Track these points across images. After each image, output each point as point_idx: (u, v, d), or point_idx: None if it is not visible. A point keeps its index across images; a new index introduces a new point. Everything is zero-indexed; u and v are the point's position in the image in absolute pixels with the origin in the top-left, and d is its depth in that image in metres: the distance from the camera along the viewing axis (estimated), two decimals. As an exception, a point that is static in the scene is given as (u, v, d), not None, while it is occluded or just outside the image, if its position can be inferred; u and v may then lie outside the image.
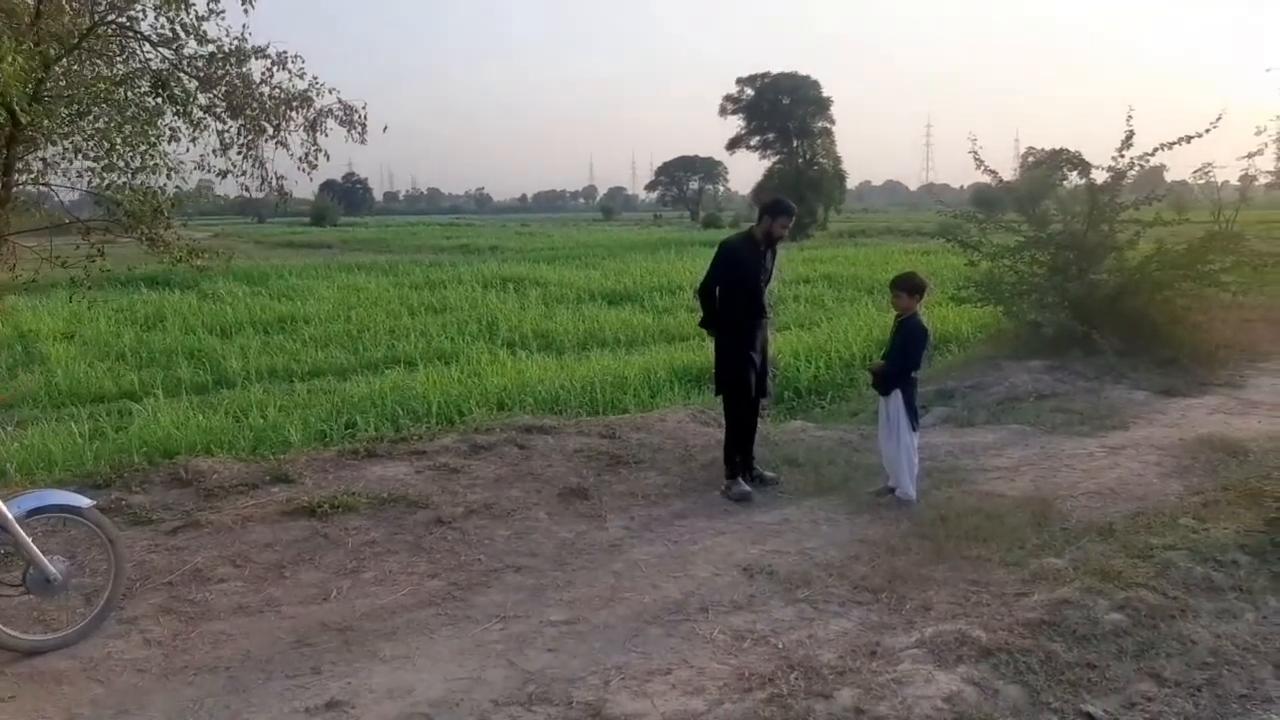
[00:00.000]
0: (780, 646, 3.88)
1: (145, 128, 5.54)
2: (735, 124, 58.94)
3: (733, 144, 59.59)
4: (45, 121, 5.10)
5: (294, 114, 6.26)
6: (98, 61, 5.78)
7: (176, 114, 5.83)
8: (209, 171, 6.44)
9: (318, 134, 6.38)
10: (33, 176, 5.76)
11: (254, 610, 4.36)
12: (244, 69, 6.05)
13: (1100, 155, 12.41)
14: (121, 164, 5.42)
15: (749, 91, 57.94)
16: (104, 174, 5.53)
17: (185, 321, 16.32)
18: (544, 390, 9.66)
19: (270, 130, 6.14)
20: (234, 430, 8.45)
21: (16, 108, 4.56)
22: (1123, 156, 10.36)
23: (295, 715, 3.44)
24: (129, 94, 5.55)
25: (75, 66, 5.88)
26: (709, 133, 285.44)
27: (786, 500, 5.84)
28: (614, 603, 4.38)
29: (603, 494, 5.94)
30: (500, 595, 4.50)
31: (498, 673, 3.73)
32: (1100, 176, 10.55)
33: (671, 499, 5.89)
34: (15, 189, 5.60)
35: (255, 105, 5.99)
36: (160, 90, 5.64)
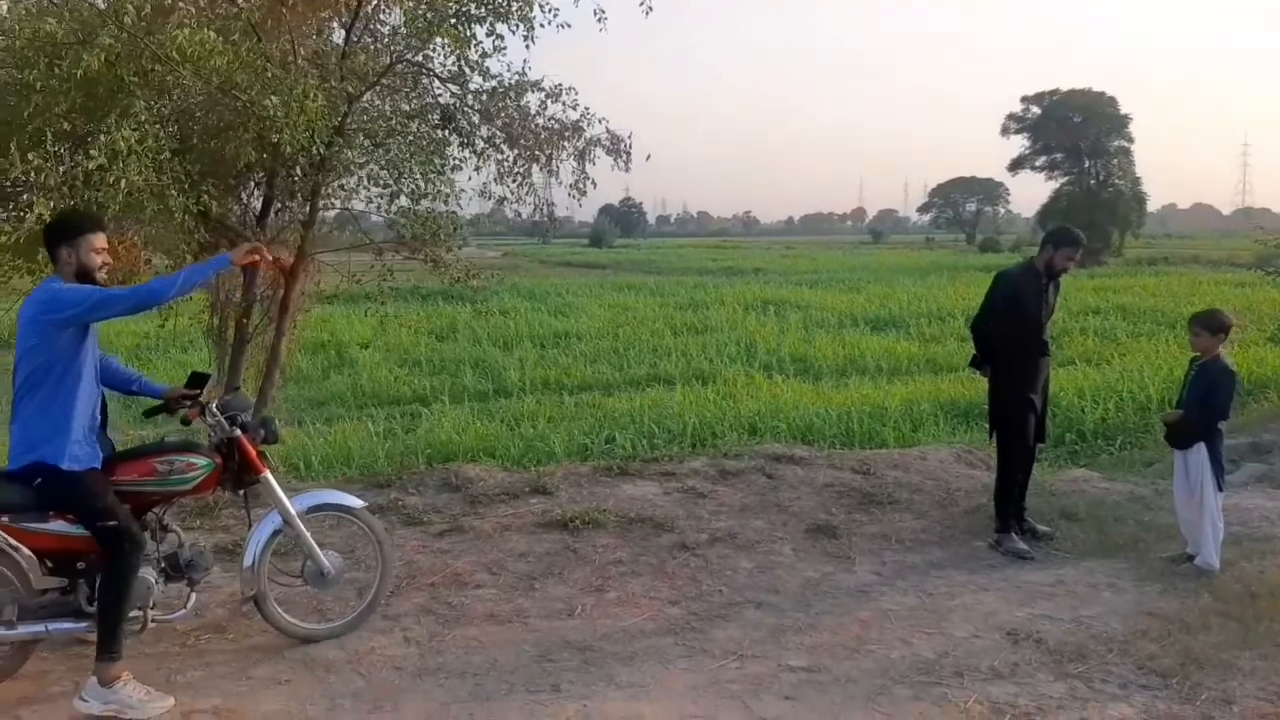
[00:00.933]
0: (1044, 726, 3.48)
1: (433, 157, 5.99)
2: (1019, 143, 55.38)
3: (1015, 164, 56.02)
4: (347, 152, 5.64)
5: (566, 144, 6.54)
6: (394, 97, 6.34)
7: (461, 145, 6.26)
8: (489, 198, 6.88)
9: (586, 162, 6.63)
10: (334, 202, 6.40)
11: (504, 619, 4.52)
12: (522, 102, 6.40)
13: None
14: (408, 190, 5.89)
15: (1035, 109, 54.22)
16: (393, 200, 6.03)
17: (474, 334, 17.61)
18: (798, 417, 9.47)
19: (543, 159, 6.45)
20: (506, 438, 8.96)
21: (320, 140, 5.07)
22: None
23: (531, 731, 3.50)
24: (420, 126, 6.02)
25: (378, 101, 6.48)
26: (988, 153, 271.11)
27: (1062, 559, 5.28)
28: (858, 654, 4.13)
29: (853, 534, 5.67)
30: (739, 631, 4.38)
31: (731, 715, 3.61)
32: None
33: (929, 546, 5.51)
34: (320, 213, 6.25)
35: (530, 136, 6.31)
36: (447, 123, 6.07)
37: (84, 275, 3.68)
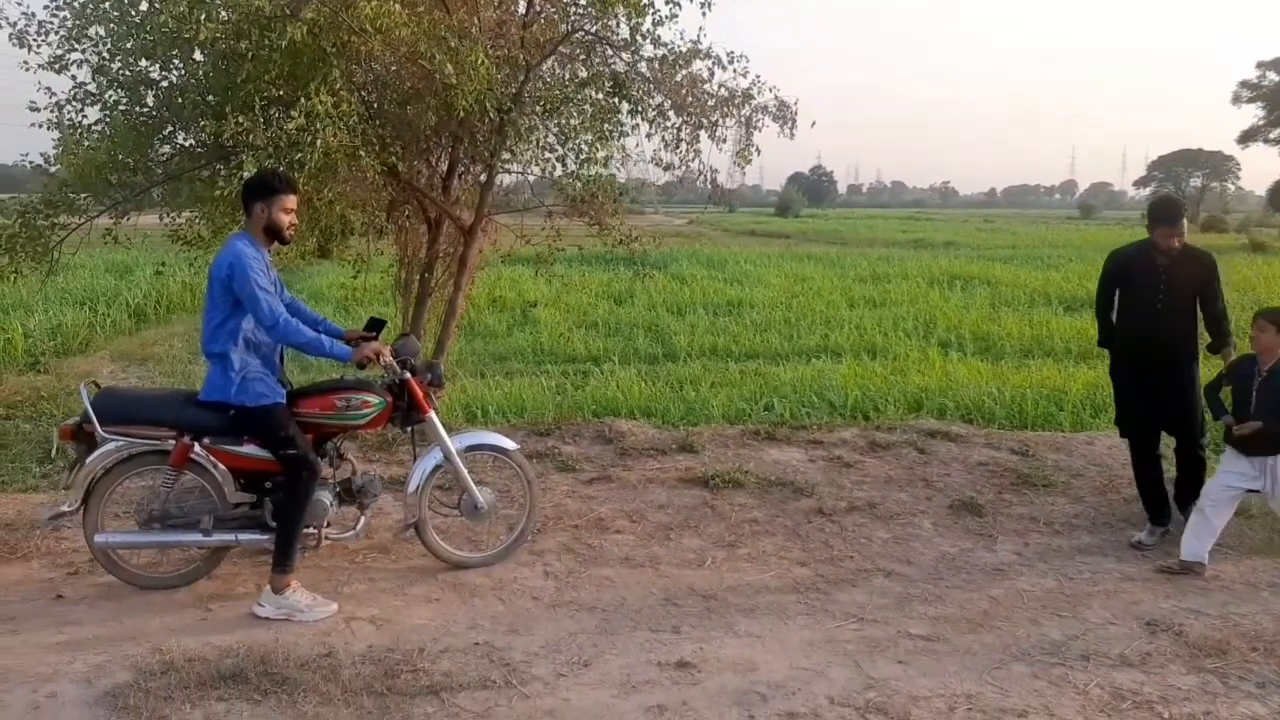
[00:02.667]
0: (1167, 717, 3.37)
1: (603, 124, 6.24)
2: (1252, 114, 50.21)
3: (1247, 137, 50.90)
4: (523, 118, 5.98)
5: (733, 111, 6.63)
6: (570, 65, 6.63)
7: (631, 112, 6.47)
8: (660, 166, 7.07)
9: (752, 130, 6.69)
10: (511, 166, 6.78)
11: (637, 564, 4.78)
12: (691, 69, 6.53)
13: None
14: (574, 155, 6.18)
15: (1272, 75, 48.87)
16: (561, 164, 6.35)
17: (650, 299, 17.95)
18: (967, 395, 9.19)
19: (709, 126, 6.56)
20: (668, 399, 9.22)
21: (490, 106, 5.42)
22: None
23: (649, 666, 3.73)
24: (592, 94, 6.28)
25: (558, 70, 6.80)
26: (1217, 124, 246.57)
27: (1223, 555, 4.99)
28: (982, 629, 4.11)
29: (999, 513, 5.55)
30: (864, 596, 4.44)
31: (842, 672, 3.71)
32: None
33: (1078, 531, 5.33)
34: (497, 176, 6.65)
35: (697, 104, 6.44)
36: (618, 90, 6.29)
37: (272, 231, 4.14)
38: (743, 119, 6.69)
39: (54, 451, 6.81)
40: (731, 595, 4.41)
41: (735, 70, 6.71)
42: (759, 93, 6.80)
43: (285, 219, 4.15)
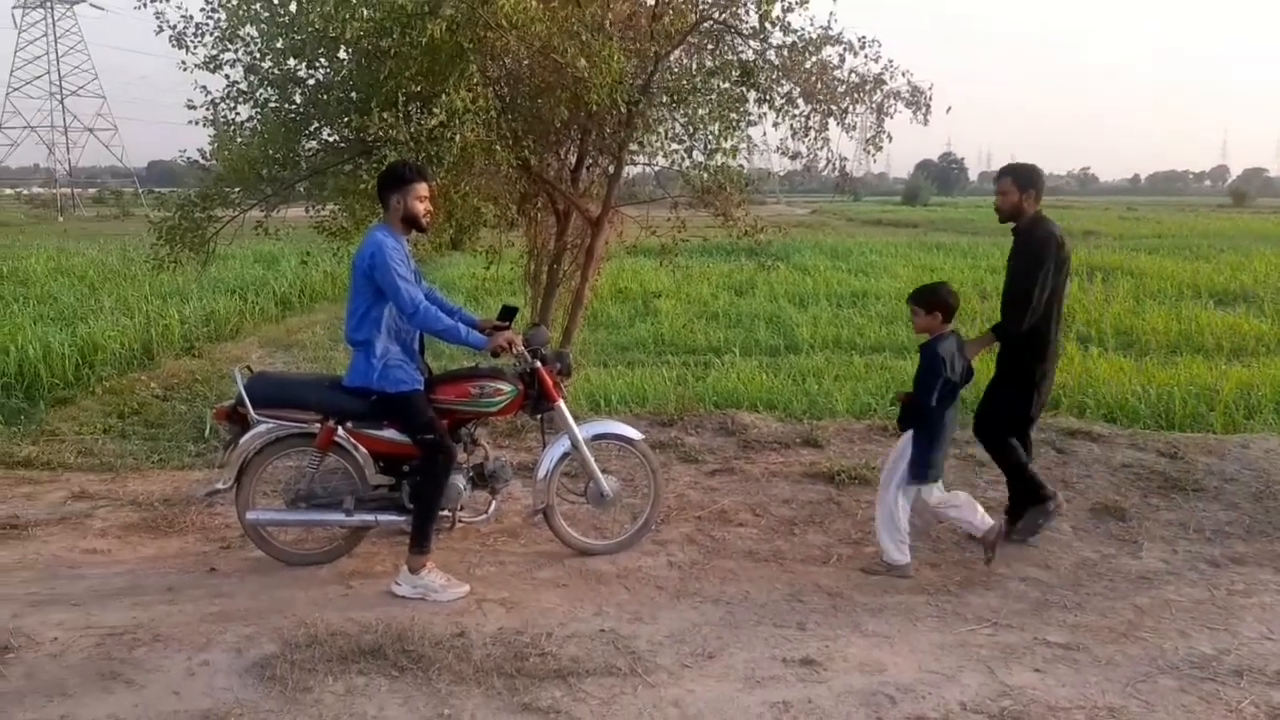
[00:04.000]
0: (1334, 743, 3.15)
1: (730, 114, 6.20)
2: None
3: None
4: (651, 110, 6.00)
5: (864, 98, 6.48)
6: (698, 54, 6.61)
7: (758, 101, 6.41)
8: (787, 155, 6.99)
9: (884, 116, 6.53)
10: (638, 158, 6.82)
11: (761, 557, 4.75)
12: (822, 55, 6.42)
13: None
14: (702, 146, 6.17)
15: None
16: (687, 155, 6.33)
17: (771, 290, 17.78)
18: (1109, 393, 8.75)
19: (838, 114, 6.44)
20: (790, 391, 9.12)
21: (621, 99, 5.46)
22: None
23: (773, 662, 3.71)
24: (720, 83, 6.24)
25: (685, 60, 6.79)
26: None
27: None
28: (1126, 639, 3.92)
29: (1144, 518, 5.28)
30: (997, 601, 4.30)
31: (974, 677, 3.60)
32: None
33: (1232, 539, 5.01)
34: (624, 168, 6.70)
35: (826, 91, 6.32)
36: (747, 79, 6.24)
37: (410, 220, 4.27)
38: (874, 105, 6.53)
39: (207, 431, 7.25)
40: (858, 594, 4.34)
41: (867, 55, 6.56)
42: (891, 78, 6.63)
43: (421, 207, 4.26)
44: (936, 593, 4.37)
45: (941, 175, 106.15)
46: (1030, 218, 4.97)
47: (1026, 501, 5.03)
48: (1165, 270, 19.86)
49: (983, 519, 4.60)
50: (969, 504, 4.65)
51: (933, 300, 4.68)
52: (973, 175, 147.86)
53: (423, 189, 4.27)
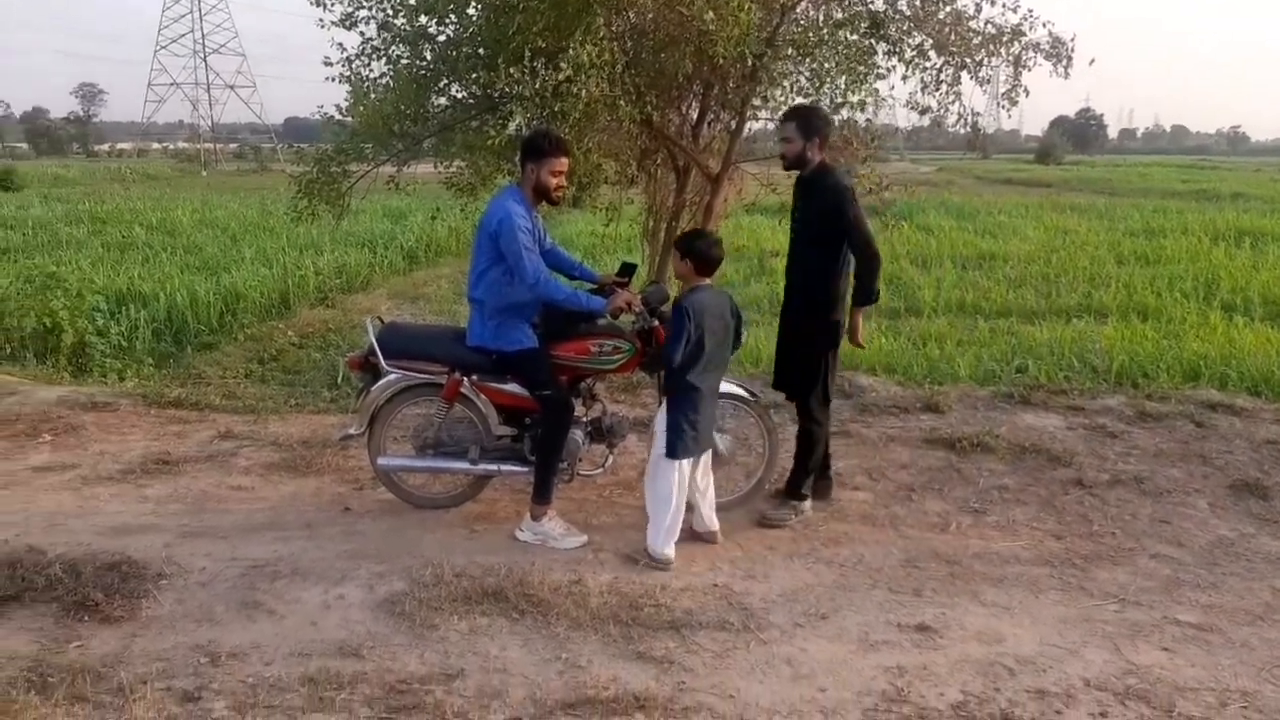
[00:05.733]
0: None
1: (857, 66, 6.03)
2: None
3: None
4: (777, 63, 5.89)
5: (1000, 50, 6.19)
6: (826, 5, 6.42)
7: (887, 53, 6.20)
8: (917, 110, 6.75)
9: (1021, 69, 6.23)
10: (761, 113, 6.71)
11: (877, 522, 4.71)
12: (957, 5, 6.15)
13: None
14: (828, 100, 6.01)
15: None
16: (813, 109, 6.18)
17: (892, 250, 17.26)
18: (1255, 365, 8.24)
19: (973, 67, 6.17)
20: (910, 355, 8.92)
21: (750, 51, 5.36)
22: None
23: (887, 627, 3.68)
24: (848, 35, 6.06)
25: (812, 12, 6.62)
26: None
27: None
28: (1263, 622, 3.74)
29: (1290, 497, 4.99)
30: (1126, 576, 4.15)
31: (1098, 654, 3.50)
32: None
33: (1390, 524, 4.69)
34: (747, 123, 6.60)
35: (961, 42, 6.06)
36: (876, 30, 6.05)
37: (541, 190, 4.35)
38: (1011, 57, 6.23)
39: (339, 379, 7.60)
40: (977, 563, 4.25)
41: (1004, 4, 6.26)
42: (1030, 28, 6.31)
43: (553, 181, 4.32)
44: (1061, 565, 4.24)
45: (1078, 132, 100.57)
46: (815, 167, 4.59)
47: (797, 483, 4.73)
48: (1324, 235, 18.47)
49: (707, 521, 4.41)
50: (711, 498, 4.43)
51: (684, 247, 4.32)
52: (1112, 133, 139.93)
53: (559, 163, 4.32)
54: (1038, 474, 5.28)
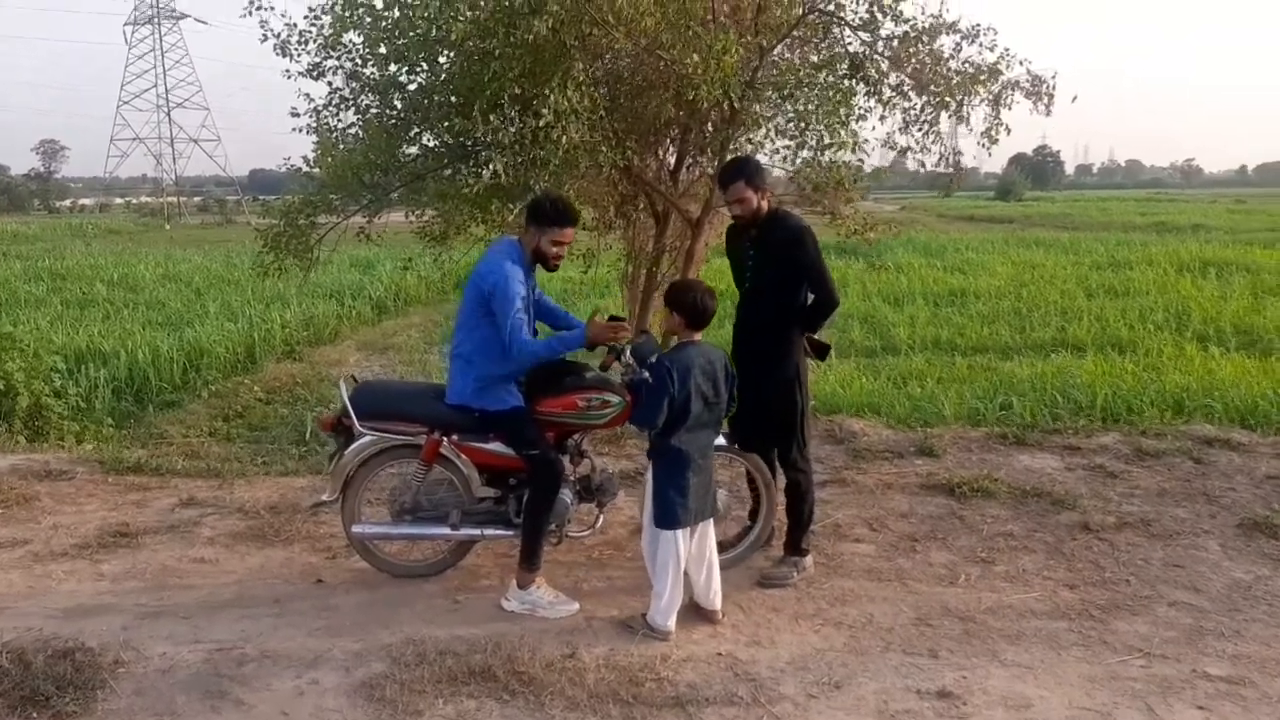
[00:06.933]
0: None
1: (839, 108, 5.93)
2: None
3: None
4: (756, 106, 5.77)
5: (979, 88, 6.12)
6: (804, 48, 6.34)
7: (867, 94, 6.11)
8: (893, 149, 6.67)
9: (1001, 107, 6.16)
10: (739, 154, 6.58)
11: (883, 577, 4.49)
12: (935, 45, 6.09)
13: None
14: (812, 142, 5.90)
15: None
16: (797, 152, 6.08)
17: (864, 289, 17.30)
18: (1237, 397, 8.19)
19: (953, 105, 6.09)
20: (892, 395, 8.78)
21: (733, 94, 5.24)
22: None
23: (906, 694, 3.46)
24: (828, 77, 5.97)
25: (788, 55, 6.53)
26: None
27: None
28: (1297, 674, 3.56)
29: (1301, 536, 4.84)
30: (1146, 627, 3.96)
31: (1131, 715, 3.30)
32: None
33: None
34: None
35: (940, 81, 5.99)
36: (856, 72, 5.96)
37: (539, 255, 4.17)
38: (991, 96, 6.17)
39: (308, 434, 7.31)
40: (991, 618, 4.04)
41: (982, 44, 6.21)
42: (1008, 67, 6.26)
43: (554, 250, 4.16)
44: (1078, 617, 4.04)
45: (1036, 169, 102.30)
46: (770, 214, 4.48)
47: (796, 541, 4.52)
48: (1286, 265, 18.75)
49: (709, 600, 4.04)
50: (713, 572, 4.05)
51: (674, 301, 4.07)
52: (1069, 169, 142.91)
53: (564, 234, 4.16)
54: (1042, 519, 5.11)
